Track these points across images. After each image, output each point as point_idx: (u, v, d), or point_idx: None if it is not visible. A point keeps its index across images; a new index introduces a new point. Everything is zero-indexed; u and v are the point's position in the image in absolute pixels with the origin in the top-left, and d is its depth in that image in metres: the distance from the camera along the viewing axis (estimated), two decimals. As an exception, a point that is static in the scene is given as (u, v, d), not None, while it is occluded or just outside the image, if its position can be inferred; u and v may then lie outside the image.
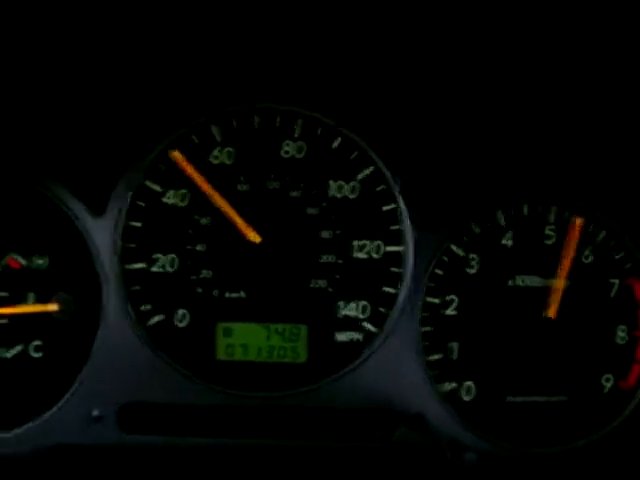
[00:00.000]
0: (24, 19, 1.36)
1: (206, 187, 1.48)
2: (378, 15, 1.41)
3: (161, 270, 1.49)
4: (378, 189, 1.51)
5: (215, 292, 1.49)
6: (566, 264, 1.51)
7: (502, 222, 1.53)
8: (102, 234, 1.48)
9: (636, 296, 1.55)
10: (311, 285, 1.50)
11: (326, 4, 1.40)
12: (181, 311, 1.49)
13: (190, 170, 1.48)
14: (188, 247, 1.49)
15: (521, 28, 1.40)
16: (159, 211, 1.49)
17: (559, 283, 1.51)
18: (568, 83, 1.51)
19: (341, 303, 1.50)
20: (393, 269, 1.51)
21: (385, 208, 1.51)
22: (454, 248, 1.51)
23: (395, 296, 1.50)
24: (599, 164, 1.56)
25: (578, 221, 1.52)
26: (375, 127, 1.51)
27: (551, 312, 1.50)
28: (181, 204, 1.49)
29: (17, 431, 1.45)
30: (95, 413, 1.45)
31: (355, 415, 1.48)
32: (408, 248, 1.50)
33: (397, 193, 1.50)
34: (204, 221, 1.50)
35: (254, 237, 1.48)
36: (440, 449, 1.42)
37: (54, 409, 1.45)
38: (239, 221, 1.48)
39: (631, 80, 1.47)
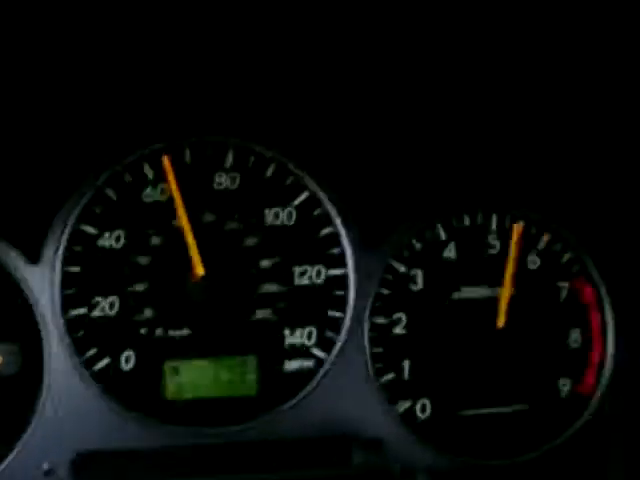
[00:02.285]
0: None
1: (179, 203, 1.45)
2: (303, 38, 1.41)
3: (103, 314, 1.47)
4: (315, 213, 1.50)
5: (159, 331, 1.47)
6: (510, 271, 1.50)
7: (442, 235, 1.51)
8: (39, 282, 1.45)
9: (585, 298, 1.54)
10: (255, 316, 1.48)
11: (250, 29, 1.40)
12: (126, 353, 1.47)
13: (172, 180, 1.46)
14: (128, 288, 1.47)
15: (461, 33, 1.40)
16: (96, 254, 1.47)
17: (506, 292, 1.49)
18: (503, 87, 1.51)
19: (287, 331, 1.48)
20: (337, 292, 1.49)
21: (323, 232, 1.49)
22: (396, 265, 1.50)
23: (341, 319, 1.48)
24: (538, 167, 1.56)
25: (519, 227, 1.51)
26: (307, 151, 1.50)
27: (499, 322, 1.49)
28: (117, 246, 1.47)
29: (-33, 492, 1.43)
30: (46, 466, 1.42)
31: (311, 443, 1.46)
32: (350, 270, 1.49)
33: (334, 216, 1.48)
34: (143, 261, 1.47)
35: (200, 270, 1.46)
36: (395, 474, 1.40)
37: (3, 465, 1.42)
38: (195, 253, 1.45)
39: (566, 78, 1.47)
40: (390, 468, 1.42)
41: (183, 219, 1.46)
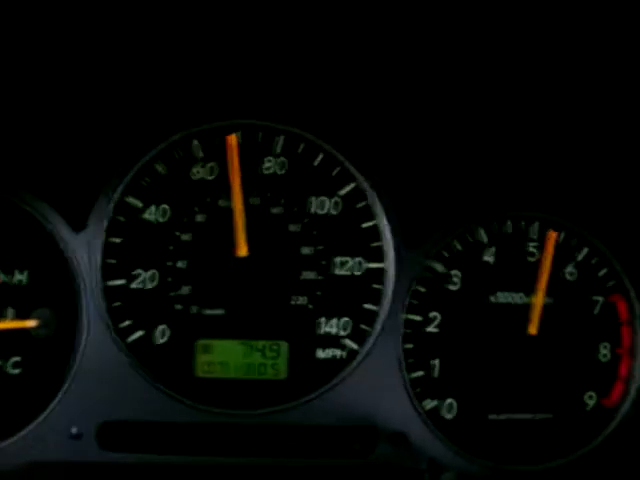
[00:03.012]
0: None
1: (236, 183, 1.46)
2: (357, 32, 1.41)
3: (141, 286, 1.48)
4: (359, 206, 1.50)
5: (194, 309, 1.48)
6: (543, 279, 1.50)
7: (484, 238, 1.52)
8: (82, 250, 1.47)
9: (619, 314, 1.55)
10: (291, 302, 1.49)
11: (306, 21, 1.40)
12: (161, 327, 1.48)
13: (235, 159, 1.47)
14: (168, 263, 1.48)
15: (499, 43, 1.41)
16: (139, 227, 1.49)
17: (539, 299, 1.50)
18: (549, 97, 1.51)
19: (322, 320, 1.49)
20: (374, 286, 1.50)
21: (366, 225, 1.50)
22: (435, 265, 1.51)
23: (376, 313, 1.49)
24: (582, 181, 1.56)
25: (553, 235, 1.51)
26: (356, 144, 1.51)
27: (532, 328, 1.49)
28: (162, 220, 1.49)
29: (-5, 448, 1.44)
30: (74, 430, 1.44)
31: (335, 432, 1.47)
32: (389, 265, 1.49)
33: (378, 210, 1.49)
34: (185, 237, 1.49)
35: (243, 251, 1.47)
36: (420, 469, 1.40)
37: (32, 426, 1.44)
38: (240, 233, 1.46)
39: (608, 94, 1.47)
40: (413, 463, 1.43)
41: (237, 199, 1.47)
